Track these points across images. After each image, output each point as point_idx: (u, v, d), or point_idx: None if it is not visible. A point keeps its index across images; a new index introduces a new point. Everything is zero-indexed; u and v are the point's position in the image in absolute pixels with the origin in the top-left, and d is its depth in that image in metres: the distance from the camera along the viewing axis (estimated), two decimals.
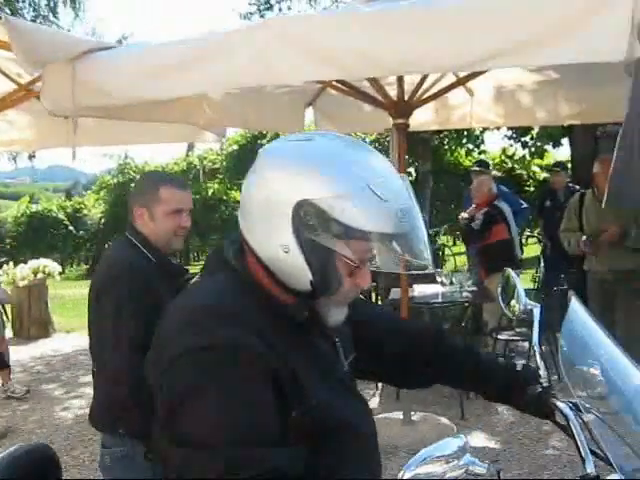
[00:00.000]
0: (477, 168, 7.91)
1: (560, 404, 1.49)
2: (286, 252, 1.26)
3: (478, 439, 4.76)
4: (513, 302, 1.74)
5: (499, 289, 1.84)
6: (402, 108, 4.49)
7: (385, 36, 3.13)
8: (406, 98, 4.53)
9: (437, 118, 5.92)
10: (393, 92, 4.64)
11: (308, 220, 1.23)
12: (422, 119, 5.72)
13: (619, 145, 3.04)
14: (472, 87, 5.53)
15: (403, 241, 1.29)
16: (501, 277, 1.86)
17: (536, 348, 1.51)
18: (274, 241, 1.27)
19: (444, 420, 5.00)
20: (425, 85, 4.67)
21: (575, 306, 1.47)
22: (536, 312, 1.69)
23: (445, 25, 3.10)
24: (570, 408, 1.45)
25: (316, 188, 1.22)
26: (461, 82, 4.71)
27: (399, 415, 5.00)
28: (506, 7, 3.01)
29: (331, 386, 1.36)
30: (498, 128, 12.78)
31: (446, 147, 16.10)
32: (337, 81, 4.52)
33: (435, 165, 15.36)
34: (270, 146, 1.39)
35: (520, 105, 5.67)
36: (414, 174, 16.05)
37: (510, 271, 1.81)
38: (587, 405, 1.36)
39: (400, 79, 4.54)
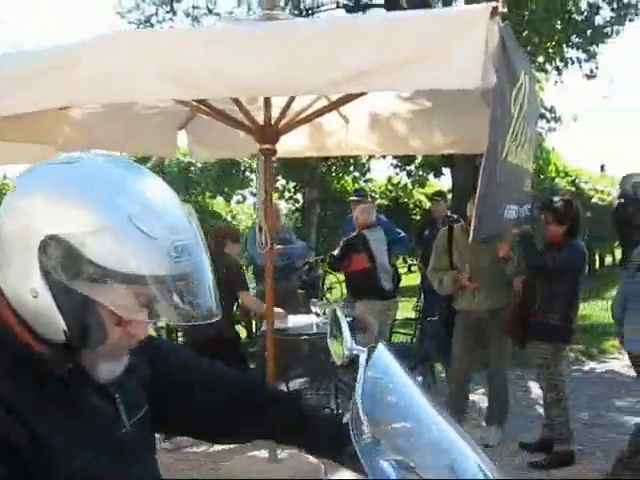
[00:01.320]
0: (355, 197, 7.93)
1: (382, 462, 1.33)
2: (35, 297, 1.04)
3: None
4: (338, 345, 1.57)
5: (328, 328, 1.66)
6: (269, 133, 4.33)
7: (244, 56, 2.97)
8: (273, 122, 4.37)
9: (312, 144, 5.80)
10: (262, 117, 4.48)
11: (57, 260, 1.01)
12: (296, 145, 5.60)
13: (481, 178, 2.99)
14: (347, 114, 5.45)
15: (180, 284, 1.07)
16: (329, 315, 1.68)
17: (358, 400, 1.32)
18: (22, 283, 1.05)
19: (311, 459, 4.82)
20: (296, 109, 4.55)
21: (380, 355, 1.32)
22: (362, 358, 1.50)
23: (308, 47, 2.98)
24: (392, 467, 1.29)
25: (67, 221, 1.01)
26: (333, 107, 4.59)
27: (265, 453, 4.78)
28: (366, 32, 2.93)
29: (102, 450, 1.13)
30: (384, 156, 12.89)
31: (333, 174, 16.18)
32: (202, 103, 4.31)
33: (322, 192, 15.39)
34: (27, 169, 1.15)
35: (395, 133, 5.63)
36: (301, 201, 16.03)
37: (338, 310, 1.63)
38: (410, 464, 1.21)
39: (267, 103, 4.39)
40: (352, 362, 1.51)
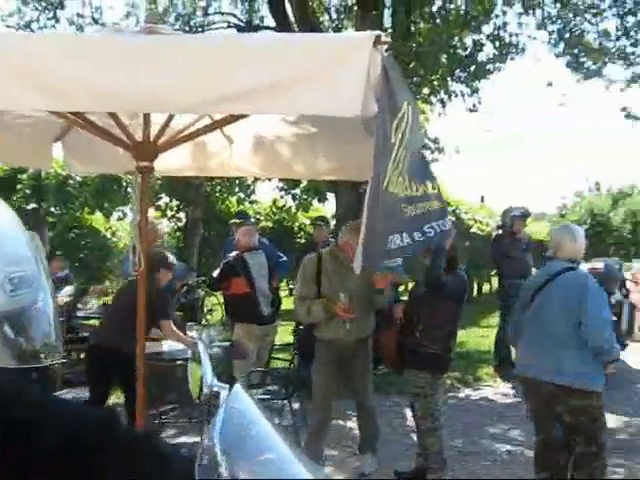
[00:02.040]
0: (237, 220, 7.83)
1: None
2: None
3: None
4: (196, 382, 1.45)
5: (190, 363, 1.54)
6: (146, 150, 4.14)
7: (115, 69, 2.81)
8: (152, 139, 4.21)
9: (193, 163, 5.63)
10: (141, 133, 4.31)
11: None
12: (177, 163, 5.42)
13: (366, 207, 2.97)
14: (231, 134, 5.33)
15: (15, 320, 0.94)
16: (197, 349, 1.56)
17: (216, 442, 1.20)
18: None
19: None
20: (179, 127, 4.40)
21: (237, 393, 1.22)
22: (223, 395, 1.38)
23: (187, 63, 2.85)
24: None
25: None
26: (215, 126, 4.45)
27: None
28: (248, 53, 2.84)
29: None
30: (270, 179, 12.84)
31: (217, 194, 16.00)
32: (78, 116, 4.09)
33: (206, 212, 15.18)
34: None
35: (279, 157, 5.54)
36: (184, 220, 15.75)
37: (200, 344, 1.52)
38: None
39: (147, 119, 4.22)
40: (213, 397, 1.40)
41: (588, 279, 4.63)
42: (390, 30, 9.26)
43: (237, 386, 1.24)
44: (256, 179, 13.67)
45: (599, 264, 8.56)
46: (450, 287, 5.10)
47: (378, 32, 2.66)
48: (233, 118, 3.98)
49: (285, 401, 6.23)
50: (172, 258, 5.73)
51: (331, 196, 11.31)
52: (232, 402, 1.22)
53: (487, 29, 10.87)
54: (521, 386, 5.05)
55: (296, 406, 6.06)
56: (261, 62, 2.76)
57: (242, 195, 15.55)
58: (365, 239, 2.95)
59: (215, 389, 1.40)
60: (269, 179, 12.76)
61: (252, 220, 8.47)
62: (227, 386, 1.34)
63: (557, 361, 4.47)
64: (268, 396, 6.12)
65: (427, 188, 3.88)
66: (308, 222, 17.51)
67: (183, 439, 5.87)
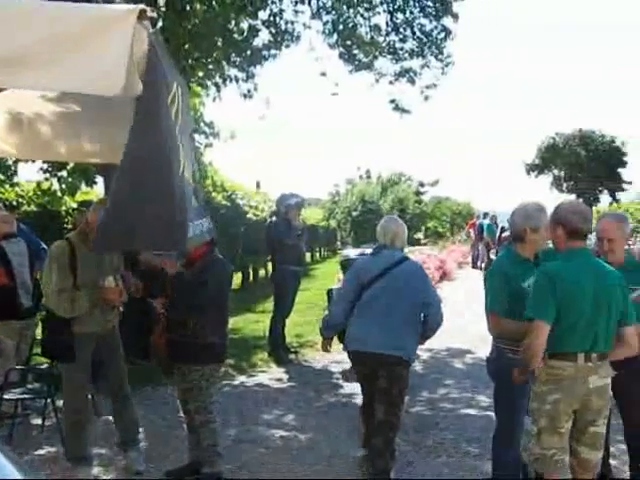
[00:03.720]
0: None
1: None
2: None
3: None
4: None
5: None
6: None
7: None
8: None
9: None
10: None
11: None
12: None
13: (112, 189, 2.81)
14: None
15: None
16: None
17: None
18: None
19: None
20: None
21: None
22: None
23: None
24: None
25: None
26: None
27: None
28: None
29: None
30: (33, 160, 11.93)
31: None
32: None
33: None
34: None
35: (39, 137, 5.11)
36: None
37: None
38: None
39: None
40: None
41: (422, 269, 5.47)
42: (164, 8, 8.89)
43: None
44: (18, 160, 12.67)
45: (369, 250, 8.87)
46: (212, 272, 5.01)
47: (142, 6, 2.44)
48: None
49: (48, 400, 5.83)
50: None
51: (100, 180, 10.75)
52: None
53: (263, 15, 10.85)
54: (351, 357, 5.40)
55: (60, 404, 5.64)
56: (8, 30, 2.44)
57: (2, 177, 14.32)
58: (105, 220, 2.79)
59: None
60: (33, 160, 11.86)
61: (1, 205, 7.72)
62: None
63: (398, 337, 4.99)
64: (29, 395, 5.68)
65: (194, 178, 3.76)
66: (76, 206, 16.64)
67: None
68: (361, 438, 5.54)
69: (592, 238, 5.20)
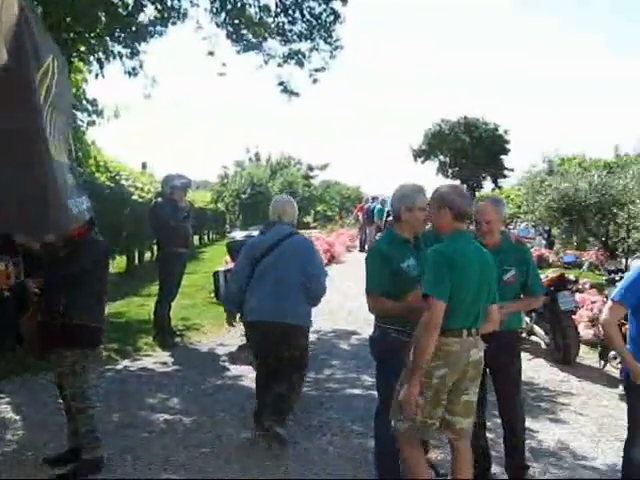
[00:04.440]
0: None
1: None
2: None
3: None
4: None
5: None
6: None
7: None
8: None
9: None
10: None
11: None
12: None
13: None
14: None
15: None
16: None
17: None
18: None
19: None
20: None
21: None
22: None
23: None
24: None
25: None
26: None
27: None
28: None
29: None
30: None
31: None
32: None
33: None
34: None
35: None
36: None
37: None
38: None
39: None
40: None
41: (310, 242, 5.96)
42: None
43: None
44: None
45: (255, 232, 8.84)
46: (87, 253, 4.89)
47: None
48: None
49: None
50: None
51: None
52: None
53: None
54: (249, 330, 5.85)
55: None
56: None
57: None
58: None
59: None
60: None
61: None
62: None
63: (292, 305, 5.45)
64: None
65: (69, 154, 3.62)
66: None
67: None
68: (252, 416, 5.70)
69: None
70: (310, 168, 45.91)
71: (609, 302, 4.49)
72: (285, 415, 5.56)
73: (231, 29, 11.80)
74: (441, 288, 3.89)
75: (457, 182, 55.78)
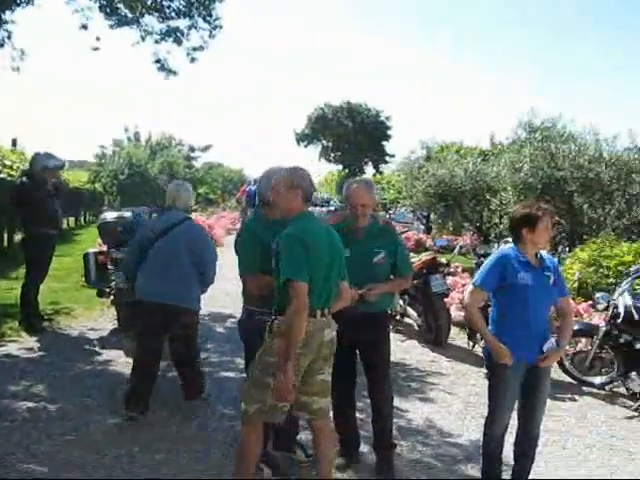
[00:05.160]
0: None
1: None
2: None
3: None
4: None
5: None
6: None
7: None
8: None
9: None
10: None
11: None
12: None
13: None
14: None
15: None
16: None
17: None
18: None
19: None
20: None
21: None
22: None
23: None
24: None
25: None
26: None
27: None
28: None
29: None
30: None
31: None
32: None
33: None
34: None
35: None
36: None
37: None
38: None
39: None
40: None
41: (203, 228, 6.26)
42: None
43: None
44: None
45: (128, 213, 8.60)
46: None
47: None
48: None
49: None
50: None
51: None
52: None
53: None
54: (137, 309, 5.93)
55: None
56: None
57: None
58: None
59: None
60: None
61: None
62: None
63: (183, 289, 5.64)
64: None
65: None
66: None
67: None
68: (123, 401, 5.73)
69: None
70: (192, 149, 45.28)
71: (470, 286, 4.66)
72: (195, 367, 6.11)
73: (104, 2, 11.38)
74: (301, 270, 3.86)
75: (339, 167, 56.59)
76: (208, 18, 12.17)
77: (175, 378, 6.25)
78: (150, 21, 12.14)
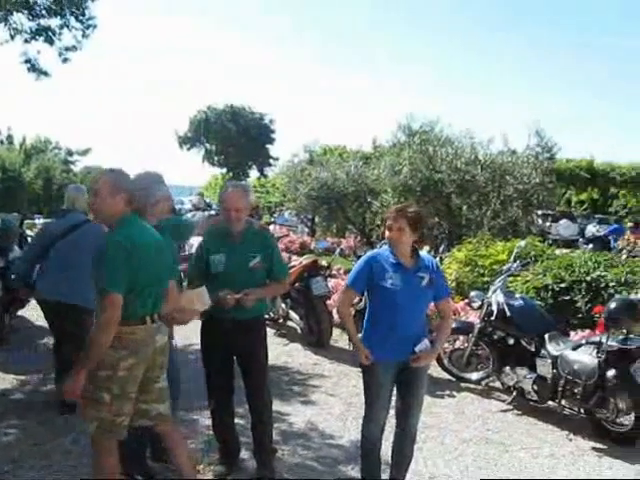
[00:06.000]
0: None
1: None
2: None
3: None
4: None
5: None
6: None
7: None
8: None
9: None
10: None
11: None
12: None
13: None
14: None
15: None
16: None
17: None
18: None
19: None
20: None
21: None
22: None
23: None
24: None
25: None
26: None
27: None
28: None
29: None
30: None
31: None
32: None
33: None
34: None
35: None
36: None
37: None
38: None
39: None
40: None
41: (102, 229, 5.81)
42: None
43: None
44: None
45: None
46: None
47: None
48: None
49: None
50: None
51: None
52: None
53: None
54: (42, 307, 6.13)
55: None
56: None
57: None
58: None
59: None
60: None
61: None
62: None
63: (81, 288, 5.44)
64: None
65: None
66: None
67: None
68: None
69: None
70: (70, 153, 43.79)
71: (343, 287, 4.70)
72: None
73: None
74: (118, 281, 3.71)
75: (224, 170, 56.16)
76: (81, 17, 11.72)
77: (50, 392, 6.00)
78: (19, 19, 11.59)
